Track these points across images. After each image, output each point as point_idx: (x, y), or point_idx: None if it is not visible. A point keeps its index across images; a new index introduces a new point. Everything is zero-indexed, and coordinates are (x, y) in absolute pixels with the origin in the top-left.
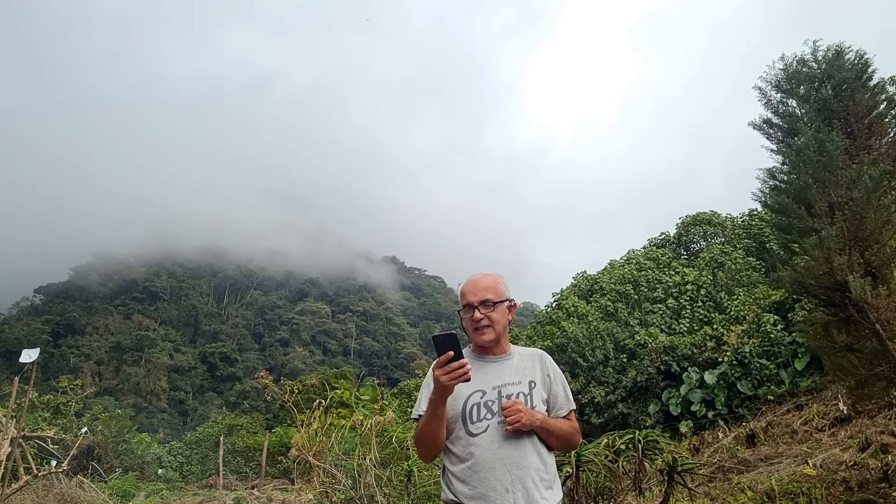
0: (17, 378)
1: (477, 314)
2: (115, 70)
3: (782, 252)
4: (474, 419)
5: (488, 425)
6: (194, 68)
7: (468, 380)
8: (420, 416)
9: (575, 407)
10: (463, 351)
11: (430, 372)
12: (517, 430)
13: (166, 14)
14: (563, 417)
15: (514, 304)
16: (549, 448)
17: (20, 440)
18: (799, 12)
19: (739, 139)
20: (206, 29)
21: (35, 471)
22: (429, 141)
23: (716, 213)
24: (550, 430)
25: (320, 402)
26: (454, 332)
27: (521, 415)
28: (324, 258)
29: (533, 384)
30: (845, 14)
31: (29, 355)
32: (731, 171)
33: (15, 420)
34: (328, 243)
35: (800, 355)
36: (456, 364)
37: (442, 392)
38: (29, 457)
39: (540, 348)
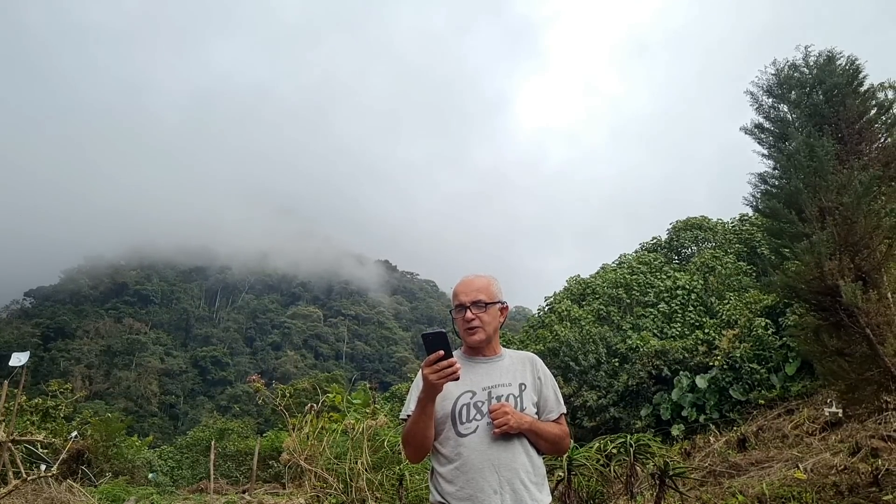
0: (6, 382)
1: (468, 314)
2: (107, 81)
3: (773, 257)
4: (464, 420)
5: (477, 426)
6: (186, 79)
7: (457, 378)
8: (409, 416)
9: (566, 411)
10: (454, 352)
11: (419, 372)
12: (505, 433)
13: (156, 27)
14: (554, 421)
15: (507, 306)
16: (539, 450)
17: (9, 444)
18: (783, 33)
19: (726, 154)
20: (196, 42)
21: (24, 475)
22: (418, 152)
23: (706, 218)
24: (539, 434)
25: (312, 406)
26: (443, 330)
27: (508, 417)
28: (315, 262)
29: (523, 386)
30: (824, 31)
31: (18, 359)
32: (715, 186)
33: (4, 424)
34: (320, 248)
35: (791, 359)
36: (445, 363)
37: (431, 390)
38: (18, 461)
39: (532, 352)
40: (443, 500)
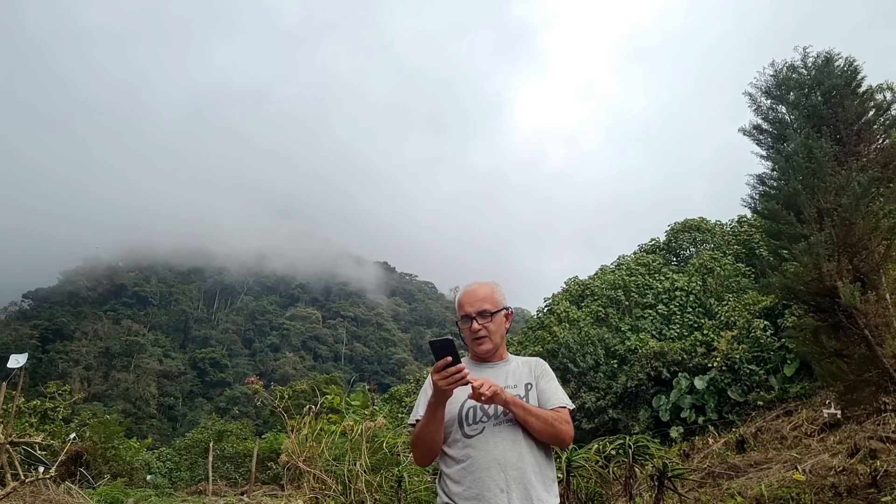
0: (4, 384)
1: (475, 325)
2: (107, 80)
3: (772, 258)
4: (470, 421)
5: (484, 427)
6: (186, 78)
7: (466, 384)
8: (417, 420)
9: (570, 406)
10: (462, 358)
11: (428, 378)
12: (507, 426)
13: (157, 27)
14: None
15: (511, 311)
16: (547, 452)
17: (8, 446)
18: (780, 38)
19: (725, 155)
20: (196, 41)
21: (23, 477)
22: (417, 152)
23: (705, 219)
24: (527, 409)
25: (310, 408)
26: (450, 336)
27: (490, 380)
28: (314, 264)
29: (529, 387)
30: (824, 37)
31: (17, 360)
32: (714, 187)
33: (3, 426)
34: (318, 249)
35: (789, 361)
36: (453, 369)
37: (440, 396)
38: (16, 463)
39: (531, 354)
40: (450, 501)
